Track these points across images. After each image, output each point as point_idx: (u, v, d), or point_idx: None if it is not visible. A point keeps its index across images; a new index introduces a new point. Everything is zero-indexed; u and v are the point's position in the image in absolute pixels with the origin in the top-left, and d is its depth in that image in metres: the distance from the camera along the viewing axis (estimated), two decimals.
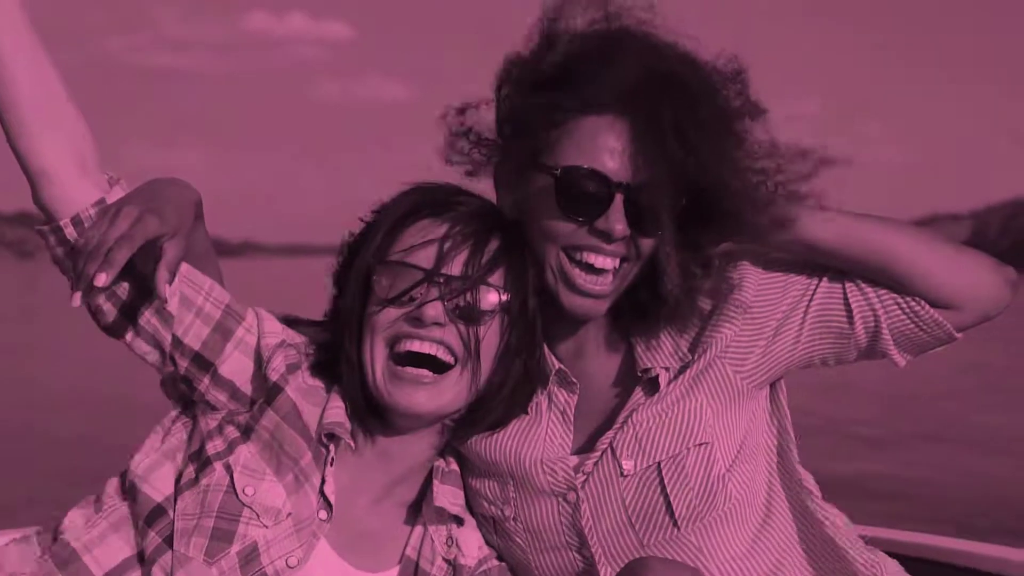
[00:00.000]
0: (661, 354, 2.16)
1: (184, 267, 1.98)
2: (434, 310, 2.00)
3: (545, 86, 2.06)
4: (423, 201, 2.09)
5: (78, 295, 1.82)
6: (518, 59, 2.11)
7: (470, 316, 2.03)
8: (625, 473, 2.13)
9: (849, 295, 2.13)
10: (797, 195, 2.10)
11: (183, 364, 2.01)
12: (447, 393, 2.05)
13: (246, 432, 2.04)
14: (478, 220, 2.07)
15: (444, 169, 2.15)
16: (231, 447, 2.03)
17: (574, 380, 2.18)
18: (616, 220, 2.02)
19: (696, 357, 2.14)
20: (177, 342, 1.99)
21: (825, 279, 2.14)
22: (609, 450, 2.14)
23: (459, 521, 2.14)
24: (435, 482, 2.13)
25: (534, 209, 2.08)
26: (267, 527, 1.99)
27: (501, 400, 2.12)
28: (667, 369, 2.15)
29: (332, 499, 2.04)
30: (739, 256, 2.15)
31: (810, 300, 2.14)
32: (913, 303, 2.10)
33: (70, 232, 1.92)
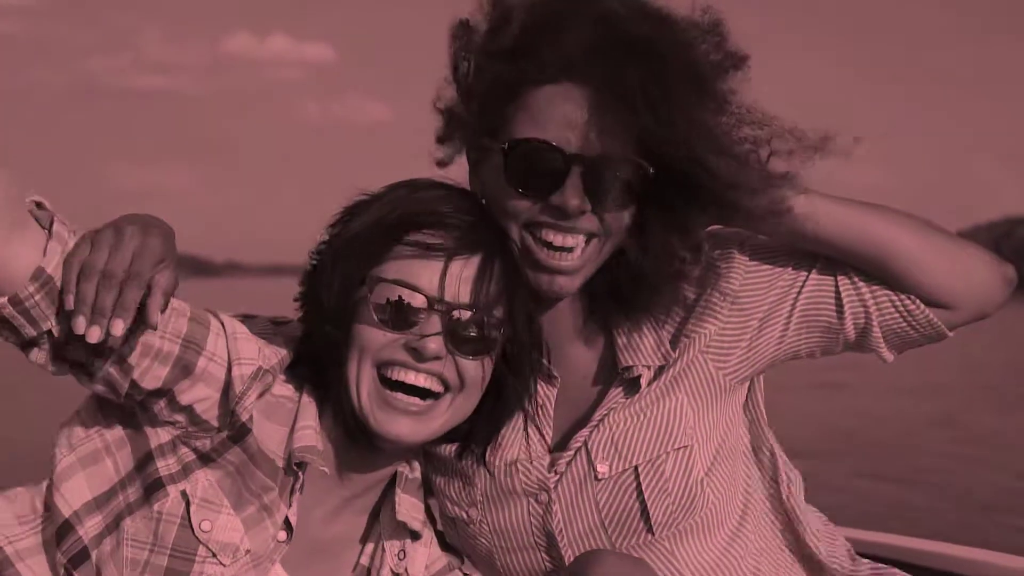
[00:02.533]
0: (642, 350, 2.09)
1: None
2: (436, 344, 1.91)
3: (498, 56, 1.94)
4: (417, 209, 1.96)
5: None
6: (467, 28, 1.99)
7: (471, 351, 1.94)
8: (599, 476, 2.08)
9: (841, 290, 2.05)
10: (788, 172, 1.94)
11: (138, 398, 1.87)
12: (436, 422, 1.97)
13: (205, 458, 1.93)
14: (479, 236, 1.96)
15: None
16: (186, 471, 1.92)
17: (555, 374, 2.11)
18: (571, 196, 1.90)
19: (678, 354, 2.08)
20: (135, 386, 1.84)
21: (815, 270, 2.06)
22: (583, 450, 2.09)
23: (415, 536, 2.08)
24: (397, 491, 2.06)
25: (492, 187, 1.98)
26: (224, 566, 1.91)
27: (486, 422, 2.06)
28: (648, 367, 2.08)
29: (294, 522, 1.96)
30: (725, 240, 2.07)
31: (799, 292, 2.07)
32: (908, 301, 2.03)
33: (8, 312, 1.72)
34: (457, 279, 1.92)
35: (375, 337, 1.93)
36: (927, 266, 2.01)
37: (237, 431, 1.93)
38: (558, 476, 2.10)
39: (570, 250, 1.95)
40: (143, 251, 1.73)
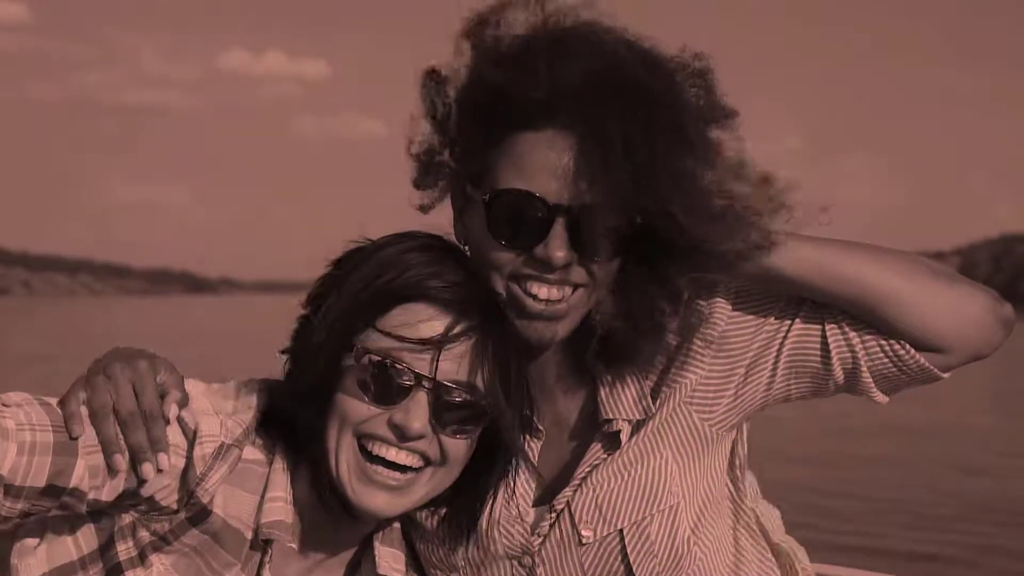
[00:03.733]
0: (624, 402, 2.04)
1: (89, 431, 1.79)
2: (420, 423, 1.87)
3: (481, 100, 1.88)
4: (406, 280, 1.88)
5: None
6: (437, 75, 1.94)
7: (458, 430, 1.91)
8: (584, 541, 2.05)
9: (828, 336, 2.00)
10: (767, 224, 1.89)
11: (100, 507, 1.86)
12: (415, 495, 1.93)
13: (162, 540, 1.90)
14: (472, 310, 1.89)
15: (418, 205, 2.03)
16: (143, 556, 1.89)
17: (540, 427, 2.06)
18: (556, 247, 1.85)
19: (660, 405, 2.04)
20: (93, 503, 1.82)
21: (801, 315, 2.02)
22: (567, 512, 2.06)
23: None
24: (376, 544, 2.04)
25: (476, 237, 1.93)
26: None
27: (470, 492, 2.01)
28: (629, 422, 2.04)
29: None
30: (707, 285, 2.01)
31: (784, 338, 2.02)
32: (897, 347, 1.97)
33: None
34: (446, 355, 1.87)
35: (358, 409, 1.88)
36: (914, 310, 1.95)
37: (197, 513, 1.89)
38: (541, 539, 2.07)
39: (556, 301, 1.91)
40: (144, 385, 1.82)
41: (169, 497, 1.87)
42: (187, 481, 1.87)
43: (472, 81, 1.91)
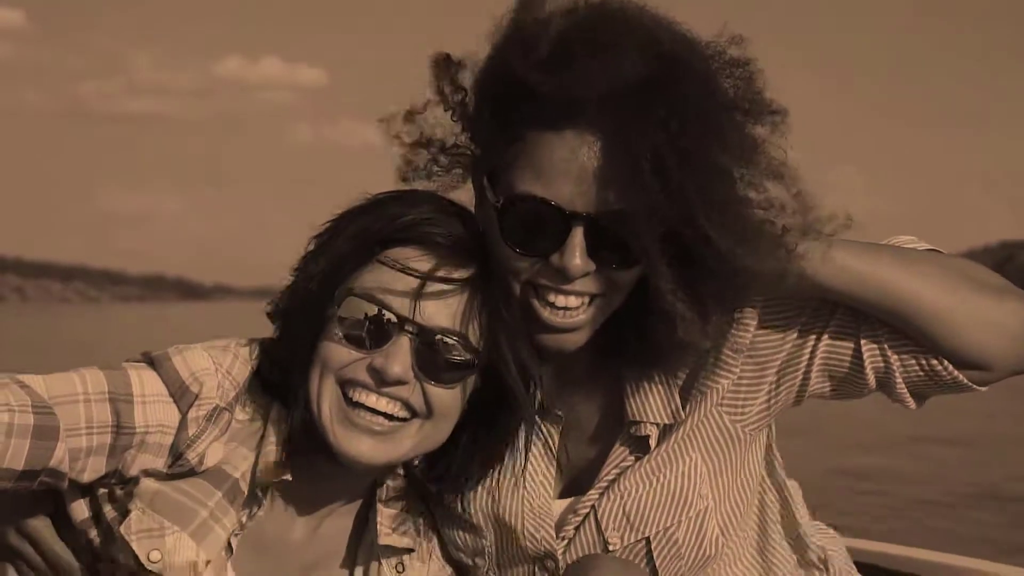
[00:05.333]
0: (651, 404, 1.96)
1: (60, 417, 1.75)
2: (400, 367, 1.81)
3: (500, 91, 1.79)
4: (400, 223, 1.85)
5: None
6: (450, 63, 1.87)
7: (441, 378, 1.84)
8: (610, 548, 1.99)
9: (863, 347, 1.91)
10: (803, 238, 1.79)
11: (83, 484, 1.85)
12: (402, 446, 1.87)
13: (134, 483, 1.86)
14: (464, 258, 1.85)
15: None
16: (123, 512, 1.86)
17: (558, 413, 2.00)
18: (572, 256, 1.77)
19: (689, 410, 1.96)
20: (74, 482, 1.82)
21: (835, 321, 1.93)
22: (592, 516, 2.00)
23: (409, 549, 2.00)
24: (379, 506, 1.98)
25: (491, 238, 1.84)
26: None
27: (478, 457, 1.95)
28: (656, 425, 1.96)
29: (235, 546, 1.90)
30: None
31: (815, 344, 1.93)
32: (935, 363, 1.87)
33: None
34: (433, 300, 1.82)
35: (338, 355, 1.84)
36: (955, 327, 1.85)
37: (183, 472, 1.86)
38: (566, 542, 2.02)
39: (574, 309, 1.84)
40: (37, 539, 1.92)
41: (156, 470, 1.86)
42: (177, 443, 1.85)
43: (495, 70, 1.83)
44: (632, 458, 1.99)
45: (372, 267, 1.84)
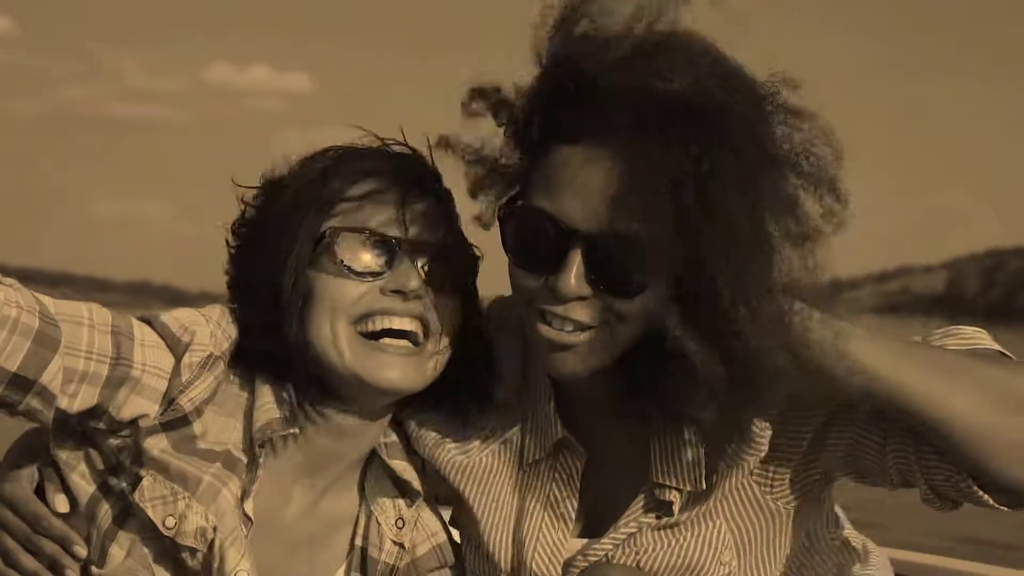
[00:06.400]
0: (678, 466, 1.85)
1: (63, 331, 1.77)
2: (416, 282, 1.87)
3: (536, 102, 1.76)
4: (355, 162, 1.93)
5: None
6: (493, 86, 1.83)
7: (445, 285, 1.92)
8: None
9: (888, 448, 1.73)
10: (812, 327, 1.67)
11: (72, 420, 1.84)
12: (426, 366, 1.91)
13: (138, 458, 1.87)
14: (421, 175, 1.95)
15: None
16: (136, 478, 1.87)
17: (581, 448, 1.93)
18: (567, 278, 1.69)
19: (717, 480, 1.84)
20: (63, 413, 1.80)
21: (861, 417, 1.76)
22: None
23: (411, 497, 2.02)
24: (384, 459, 2.01)
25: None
26: (199, 551, 1.87)
27: (458, 378, 1.98)
28: (680, 491, 1.86)
29: (251, 513, 1.91)
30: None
31: (843, 429, 1.78)
32: (963, 484, 1.68)
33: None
34: (419, 215, 1.90)
35: (348, 291, 1.86)
36: (990, 452, 1.64)
37: (174, 420, 1.86)
38: None
39: (573, 331, 1.74)
40: (21, 505, 1.88)
41: (149, 419, 1.85)
42: (171, 389, 1.85)
43: (538, 80, 1.76)
44: (653, 516, 1.90)
45: (346, 205, 1.89)
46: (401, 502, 2.02)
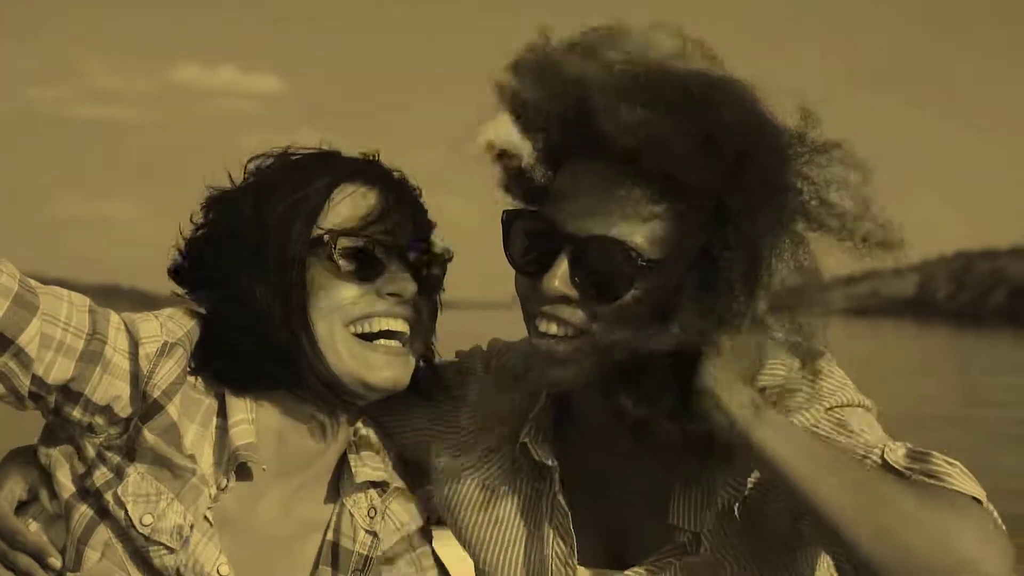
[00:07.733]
0: (693, 509, 1.87)
1: (42, 300, 1.83)
2: (414, 286, 1.94)
3: (558, 120, 1.78)
4: (337, 165, 1.97)
5: None
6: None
7: (429, 285, 1.99)
8: None
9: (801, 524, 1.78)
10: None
11: (49, 399, 1.87)
12: (412, 361, 1.99)
13: (129, 453, 1.91)
14: (400, 179, 2.00)
15: None
16: (119, 471, 1.90)
17: (569, 476, 1.95)
18: (552, 278, 1.74)
19: (723, 520, 1.87)
20: (39, 382, 1.84)
21: None
22: None
23: (381, 488, 2.06)
24: (351, 457, 2.04)
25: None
26: (174, 550, 1.90)
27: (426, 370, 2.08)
28: (694, 533, 1.88)
29: (226, 513, 1.95)
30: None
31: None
32: (846, 565, 1.68)
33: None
34: (403, 219, 1.93)
35: (346, 293, 1.90)
36: (864, 552, 1.61)
37: (148, 410, 1.88)
38: None
39: (554, 337, 1.77)
40: None
41: (126, 408, 1.88)
42: (137, 385, 1.88)
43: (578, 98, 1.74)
44: (671, 558, 1.91)
45: (325, 210, 1.91)
46: (373, 492, 2.05)
